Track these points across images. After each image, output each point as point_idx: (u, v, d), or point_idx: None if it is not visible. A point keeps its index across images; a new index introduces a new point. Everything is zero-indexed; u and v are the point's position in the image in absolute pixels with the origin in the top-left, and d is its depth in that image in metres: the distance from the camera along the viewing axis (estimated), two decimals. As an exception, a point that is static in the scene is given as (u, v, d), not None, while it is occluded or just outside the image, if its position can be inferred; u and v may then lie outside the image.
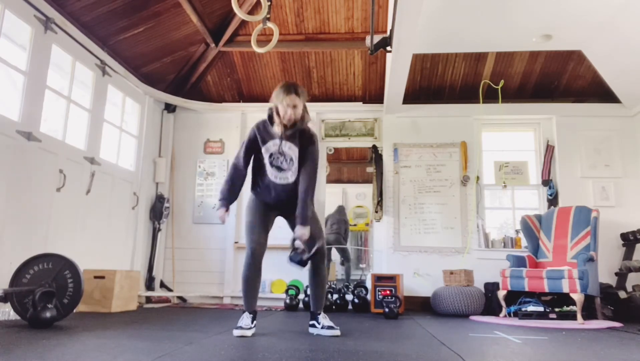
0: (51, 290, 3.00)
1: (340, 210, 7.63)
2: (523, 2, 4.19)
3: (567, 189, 5.37)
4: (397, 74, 4.68)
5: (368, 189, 7.29)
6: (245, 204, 3.08)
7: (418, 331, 3.14)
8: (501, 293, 4.43)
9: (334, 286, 5.19)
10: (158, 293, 5.43)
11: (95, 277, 4.04)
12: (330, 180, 7.26)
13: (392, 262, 5.38)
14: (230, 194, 2.93)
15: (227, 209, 2.90)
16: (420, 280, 5.31)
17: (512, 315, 4.36)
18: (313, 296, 2.98)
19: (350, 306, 5.01)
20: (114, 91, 5.03)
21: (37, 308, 2.83)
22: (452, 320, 4.19)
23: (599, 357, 2.22)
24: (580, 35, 4.71)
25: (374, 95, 5.97)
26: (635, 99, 5.26)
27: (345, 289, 5.13)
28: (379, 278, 4.68)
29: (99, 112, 4.71)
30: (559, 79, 5.61)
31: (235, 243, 5.66)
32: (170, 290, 5.61)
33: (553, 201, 5.42)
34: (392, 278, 4.65)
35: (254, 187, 2.99)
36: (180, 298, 5.58)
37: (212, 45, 5.48)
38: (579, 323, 3.90)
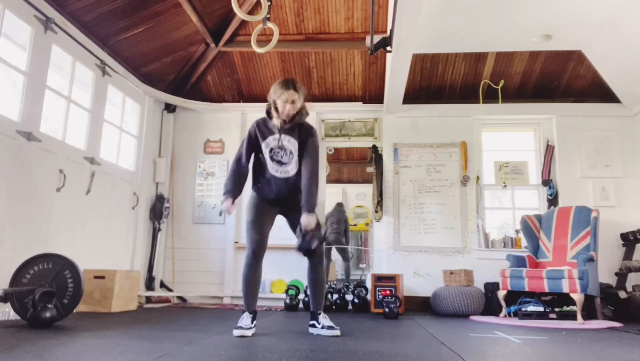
0: (51, 290, 3.00)
1: (340, 208, 7.60)
2: (523, 2, 4.19)
3: (567, 189, 5.37)
4: (397, 74, 4.68)
5: (368, 189, 7.29)
6: (246, 203, 3.08)
7: (418, 331, 3.14)
8: (501, 293, 4.43)
9: (334, 286, 5.19)
10: (158, 293, 5.43)
11: (95, 277, 4.04)
12: (330, 180, 7.27)
13: (392, 262, 5.38)
14: (234, 188, 2.93)
15: (233, 202, 2.90)
16: (420, 280, 5.31)
17: (512, 315, 4.36)
18: (312, 295, 2.99)
19: (350, 306, 5.01)
20: (114, 91, 5.03)
21: (37, 308, 2.83)
22: (452, 320, 4.19)
23: (599, 357, 2.22)
24: (580, 35, 4.71)
25: (374, 95, 5.97)
26: (635, 99, 5.26)
27: (345, 289, 5.13)
28: (379, 278, 4.68)
29: (99, 112, 4.71)
30: (559, 79, 5.61)
31: (235, 243, 5.66)
32: (170, 290, 5.61)
33: (553, 201, 5.42)
34: (392, 278, 4.65)
35: (255, 183, 3.00)
36: (180, 298, 5.58)
37: (212, 45, 5.48)
38: (579, 323, 3.90)
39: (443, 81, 5.76)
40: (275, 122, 2.87)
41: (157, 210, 5.64)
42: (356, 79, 5.88)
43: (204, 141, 6.04)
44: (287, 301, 4.87)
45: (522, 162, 5.65)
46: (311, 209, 2.76)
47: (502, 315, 4.41)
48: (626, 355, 2.30)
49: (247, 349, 2.20)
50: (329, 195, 6.60)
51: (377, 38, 4.18)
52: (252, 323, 2.77)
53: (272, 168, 2.90)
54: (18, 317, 3.16)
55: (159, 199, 5.68)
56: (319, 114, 5.91)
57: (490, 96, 5.62)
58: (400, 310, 4.57)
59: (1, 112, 3.46)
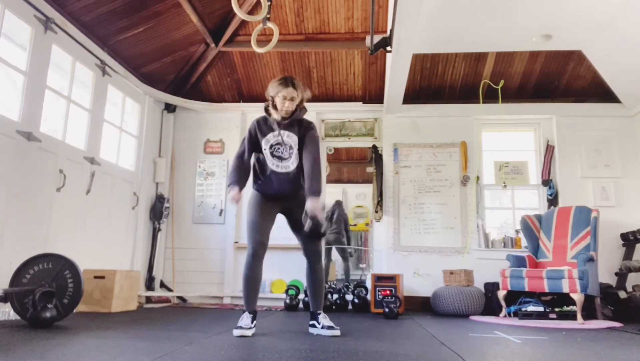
0: (51, 290, 3.00)
1: (339, 206, 7.57)
2: (523, 2, 4.19)
3: (567, 189, 5.37)
4: (397, 74, 4.68)
5: (368, 189, 7.27)
6: (247, 202, 3.07)
7: (418, 331, 3.14)
8: (501, 293, 4.43)
9: (334, 286, 5.19)
10: (158, 293, 5.43)
11: (95, 277, 4.04)
12: (330, 180, 7.25)
13: (392, 262, 5.38)
14: (239, 178, 2.93)
15: (240, 190, 2.89)
16: (420, 280, 5.31)
17: (512, 315, 4.36)
18: (311, 296, 2.99)
19: (350, 306, 5.01)
20: (114, 91, 5.03)
21: (37, 308, 2.83)
22: (452, 320, 4.19)
23: (599, 357, 2.22)
24: (580, 35, 4.71)
25: (374, 95, 5.97)
26: (635, 99, 5.26)
27: (345, 289, 5.13)
28: (379, 278, 4.68)
29: (99, 112, 4.71)
30: (559, 79, 5.61)
31: (235, 243, 5.66)
32: (170, 290, 5.61)
33: (553, 201, 5.42)
34: (392, 278, 4.65)
35: (255, 181, 3.00)
36: (180, 298, 5.58)
37: (212, 45, 5.48)
38: (579, 323, 3.90)
39: (443, 81, 5.76)
40: (275, 116, 2.90)
41: (157, 210, 5.64)
42: (356, 79, 5.88)
43: (204, 141, 6.04)
44: (287, 301, 4.87)
45: (522, 162, 5.65)
46: (316, 193, 2.75)
47: (502, 315, 4.41)
48: (626, 355, 2.30)
49: (247, 349, 2.20)
50: (329, 195, 6.59)
51: (377, 38, 4.18)
52: (252, 323, 2.77)
53: (273, 164, 2.91)
54: (18, 317, 3.16)
55: (159, 199, 5.69)
56: (319, 114, 5.91)
57: (490, 96, 5.62)
58: (400, 310, 4.57)
59: (1, 112, 3.46)
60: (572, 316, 4.10)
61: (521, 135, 5.86)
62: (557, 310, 4.19)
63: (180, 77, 5.84)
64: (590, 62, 5.21)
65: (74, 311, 3.33)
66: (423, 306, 5.21)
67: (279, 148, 2.91)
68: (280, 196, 2.98)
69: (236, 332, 2.68)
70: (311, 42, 5.53)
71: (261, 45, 3.95)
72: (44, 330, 2.69)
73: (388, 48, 4.22)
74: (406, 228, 5.47)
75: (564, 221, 4.79)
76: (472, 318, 4.40)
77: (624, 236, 5.07)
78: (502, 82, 5.57)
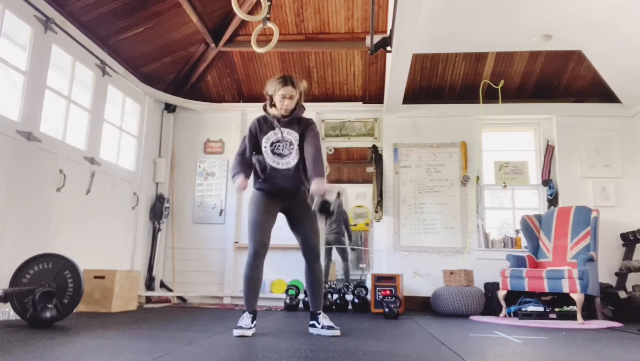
0: (51, 290, 3.00)
1: (338, 197, 7.54)
2: (523, 2, 4.19)
3: (567, 189, 5.37)
4: (397, 74, 4.68)
5: (368, 189, 7.27)
6: (247, 201, 3.08)
7: (418, 331, 3.14)
8: (501, 293, 4.43)
9: (334, 286, 5.19)
10: (158, 293, 5.43)
11: (95, 277, 4.04)
12: (330, 180, 7.23)
13: (392, 262, 5.38)
14: (243, 169, 2.93)
15: (245, 178, 2.88)
16: (420, 280, 5.31)
17: (512, 315, 4.36)
18: (311, 296, 3.01)
19: (350, 306, 5.01)
20: (114, 91, 5.03)
21: (37, 308, 2.83)
22: (452, 320, 4.19)
23: (599, 357, 2.22)
24: (580, 35, 4.71)
25: (374, 95, 5.97)
26: (635, 99, 5.26)
27: (345, 289, 5.13)
28: (379, 278, 4.68)
29: (99, 112, 4.71)
30: (559, 79, 5.61)
31: (235, 243, 5.66)
32: (170, 290, 5.61)
33: (553, 201, 5.42)
34: (392, 278, 4.65)
35: (256, 180, 3.00)
36: (180, 298, 5.58)
37: (212, 45, 5.48)
38: (579, 323, 3.90)
39: (443, 81, 5.76)
40: (275, 113, 2.93)
41: (157, 210, 5.64)
42: (356, 79, 5.88)
43: (204, 141, 6.04)
44: (287, 301, 4.87)
45: (522, 162, 5.65)
46: (319, 174, 2.75)
47: (502, 315, 4.41)
48: (626, 355, 2.30)
49: (247, 349, 2.20)
50: (329, 195, 6.57)
51: (377, 38, 4.18)
52: (252, 323, 2.77)
53: (273, 161, 2.92)
54: (18, 317, 3.16)
55: (159, 199, 5.69)
56: (319, 114, 5.91)
57: (490, 96, 5.62)
58: (400, 309, 4.57)
59: (1, 112, 3.46)
60: (572, 316, 4.10)
61: (521, 135, 5.86)
62: (557, 310, 4.19)
63: (180, 77, 5.84)
64: (590, 62, 5.21)
65: (74, 311, 3.33)
66: (423, 306, 5.21)
67: (279, 145, 2.92)
68: (282, 192, 2.98)
69: (236, 332, 2.68)
70: (311, 42, 5.53)
71: (261, 46, 3.94)
72: (44, 330, 2.69)
73: (388, 48, 4.22)
74: (406, 228, 5.47)
75: (564, 221, 4.79)
76: (472, 318, 4.40)
77: (624, 236, 5.07)
78: (502, 82, 5.57)
